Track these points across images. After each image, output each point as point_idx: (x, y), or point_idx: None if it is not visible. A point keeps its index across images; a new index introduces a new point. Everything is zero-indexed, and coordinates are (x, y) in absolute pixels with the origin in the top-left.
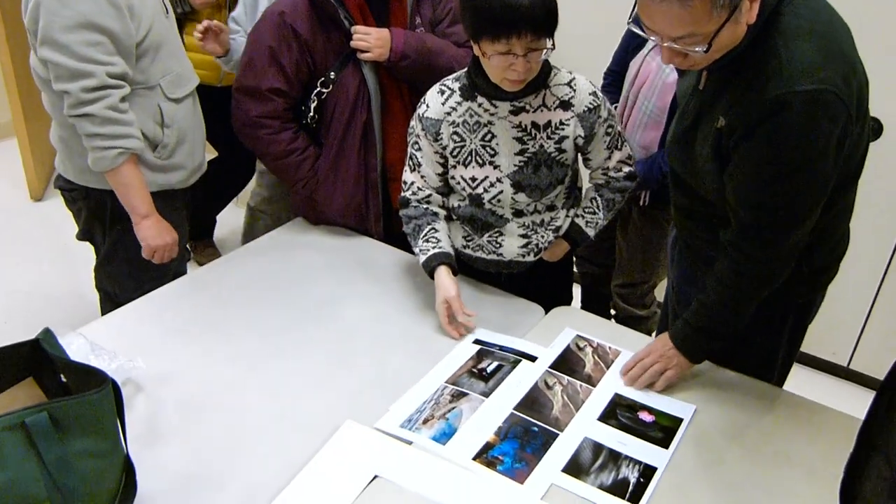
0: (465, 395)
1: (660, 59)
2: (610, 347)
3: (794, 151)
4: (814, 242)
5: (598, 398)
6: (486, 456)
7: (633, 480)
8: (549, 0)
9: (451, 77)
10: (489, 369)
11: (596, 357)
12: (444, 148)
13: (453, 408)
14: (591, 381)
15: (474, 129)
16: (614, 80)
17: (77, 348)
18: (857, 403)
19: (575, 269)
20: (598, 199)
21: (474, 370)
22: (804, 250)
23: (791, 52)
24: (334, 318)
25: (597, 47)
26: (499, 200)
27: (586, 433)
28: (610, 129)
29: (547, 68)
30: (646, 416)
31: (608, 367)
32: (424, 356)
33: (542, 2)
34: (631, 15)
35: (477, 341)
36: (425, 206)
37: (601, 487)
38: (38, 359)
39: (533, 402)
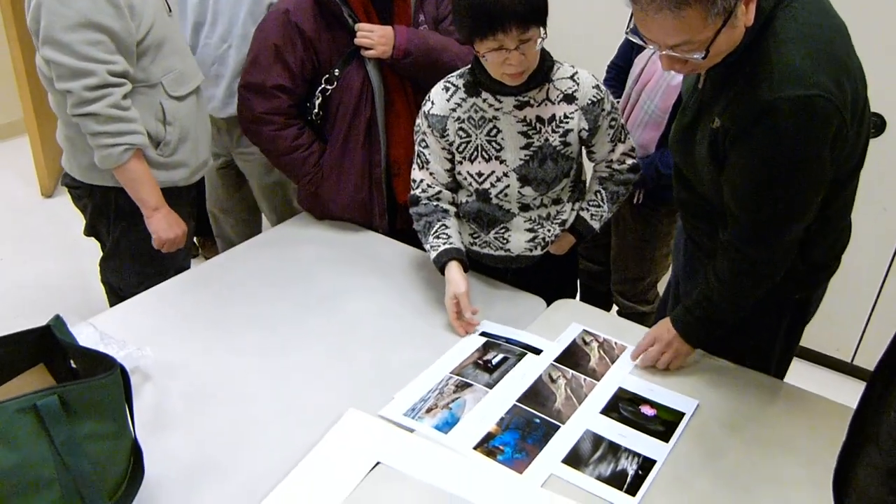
0: (469, 385)
1: None
2: (616, 343)
3: (786, 155)
4: (811, 239)
5: (602, 392)
6: (486, 445)
7: (631, 472)
8: None
9: (454, 74)
10: (494, 361)
11: (601, 352)
12: (451, 144)
13: (457, 398)
14: (596, 376)
15: (479, 124)
16: (617, 74)
17: (87, 337)
18: None
19: None
20: (603, 191)
21: (480, 361)
22: (801, 247)
23: (782, 57)
24: (339, 311)
25: (598, 45)
26: (506, 195)
27: (587, 426)
28: (613, 122)
29: (549, 63)
30: (647, 410)
31: (613, 362)
32: (428, 349)
33: None
34: (629, 25)
35: (483, 333)
36: (435, 202)
37: (599, 478)
38: (48, 345)
39: (536, 394)
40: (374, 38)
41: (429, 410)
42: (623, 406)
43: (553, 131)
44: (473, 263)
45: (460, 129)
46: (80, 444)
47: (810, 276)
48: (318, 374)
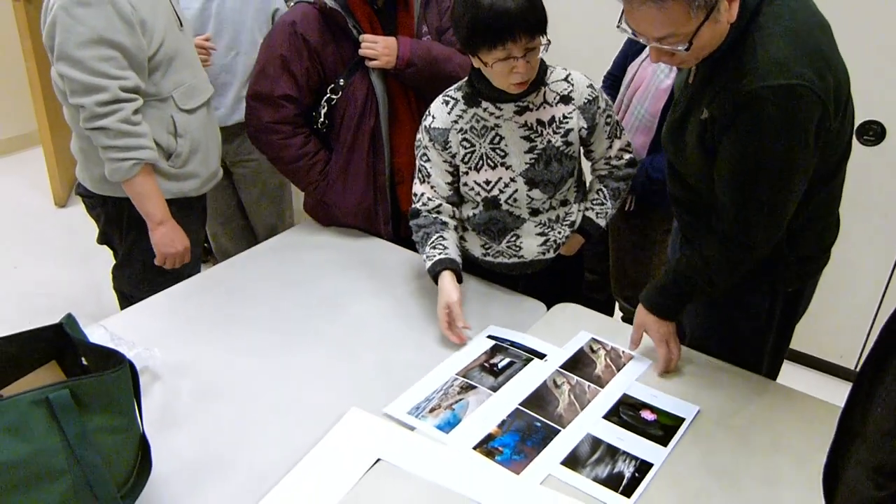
0: (473, 388)
1: (655, 66)
2: (623, 351)
3: (770, 143)
4: (799, 230)
5: (605, 398)
6: (486, 446)
7: (627, 475)
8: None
9: (452, 87)
10: (500, 365)
11: (608, 360)
12: (454, 156)
13: (461, 399)
14: (600, 383)
15: (482, 133)
16: (613, 84)
17: (98, 338)
18: None
19: None
20: (604, 189)
21: (486, 365)
22: (789, 238)
23: (766, 49)
24: (343, 314)
25: (596, 55)
26: (515, 200)
27: (588, 430)
28: (609, 119)
29: (543, 67)
30: (648, 415)
31: (619, 370)
32: (430, 352)
33: (530, 3)
34: (620, 18)
35: (491, 337)
36: (435, 215)
37: (596, 480)
38: (61, 343)
39: (539, 399)
40: (378, 48)
41: (432, 410)
42: (623, 410)
43: (554, 132)
44: (486, 273)
45: (464, 139)
46: (91, 437)
47: (800, 268)
48: (321, 375)
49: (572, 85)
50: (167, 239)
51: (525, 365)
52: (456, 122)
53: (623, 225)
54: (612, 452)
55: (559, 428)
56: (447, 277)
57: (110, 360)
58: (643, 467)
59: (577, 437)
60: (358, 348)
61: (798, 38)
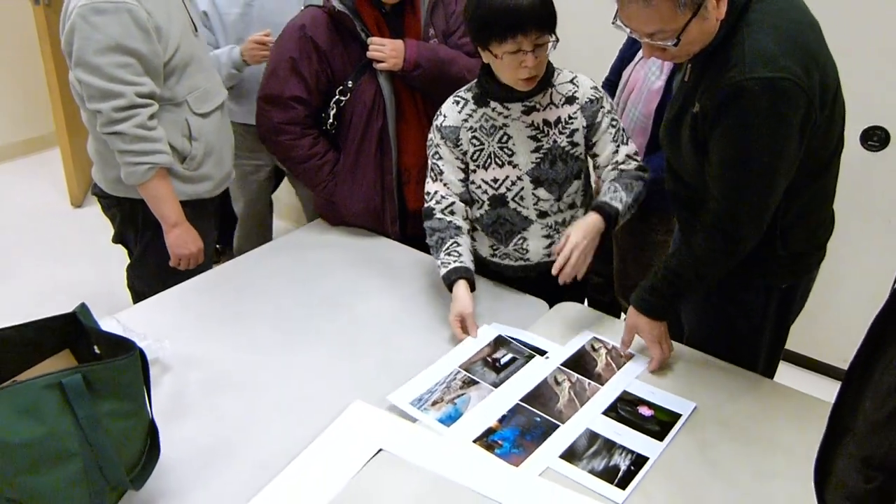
0: (475, 383)
1: (647, 68)
2: (624, 351)
3: (756, 134)
4: (790, 226)
5: (604, 395)
6: (486, 440)
7: (623, 468)
8: None
9: (463, 88)
10: (503, 361)
11: (609, 358)
12: (465, 153)
13: (462, 394)
14: (601, 380)
15: (491, 132)
16: (610, 89)
17: (110, 329)
18: None
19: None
20: (616, 183)
21: (488, 359)
22: (781, 233)
23: (754, 43)
24: (349, 311)
25: (596, 55)
26: (521, 198)
27: (586, 425)
28: (615, 122)
29: (550, 69)
30: (645, 411)
31: (619, 368)
32: (434, 349)
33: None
34: (615, 16)
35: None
36: (449, 218)
37: (592, 472)
38: (74, 332)
39: (540, 395)
40: (386, 51)
41: (434, 403)
42: (621, 407)
43: (560, 132)
44: (493, 274)
45: (473, 137)
46: (102, 421)
47: (792, 264)
48: (325, 370)
49: (577, 86)
50: (181, 241)
51: (527, 362)
52: (466, 120)
53: (624, 227)
54: (609, 446)
55: (558, 423)
56: (462, 287)
57: (121, 347)
58: (639, 461)
59: (575, 432)
60: (363, 346)
61: (786, 34)
